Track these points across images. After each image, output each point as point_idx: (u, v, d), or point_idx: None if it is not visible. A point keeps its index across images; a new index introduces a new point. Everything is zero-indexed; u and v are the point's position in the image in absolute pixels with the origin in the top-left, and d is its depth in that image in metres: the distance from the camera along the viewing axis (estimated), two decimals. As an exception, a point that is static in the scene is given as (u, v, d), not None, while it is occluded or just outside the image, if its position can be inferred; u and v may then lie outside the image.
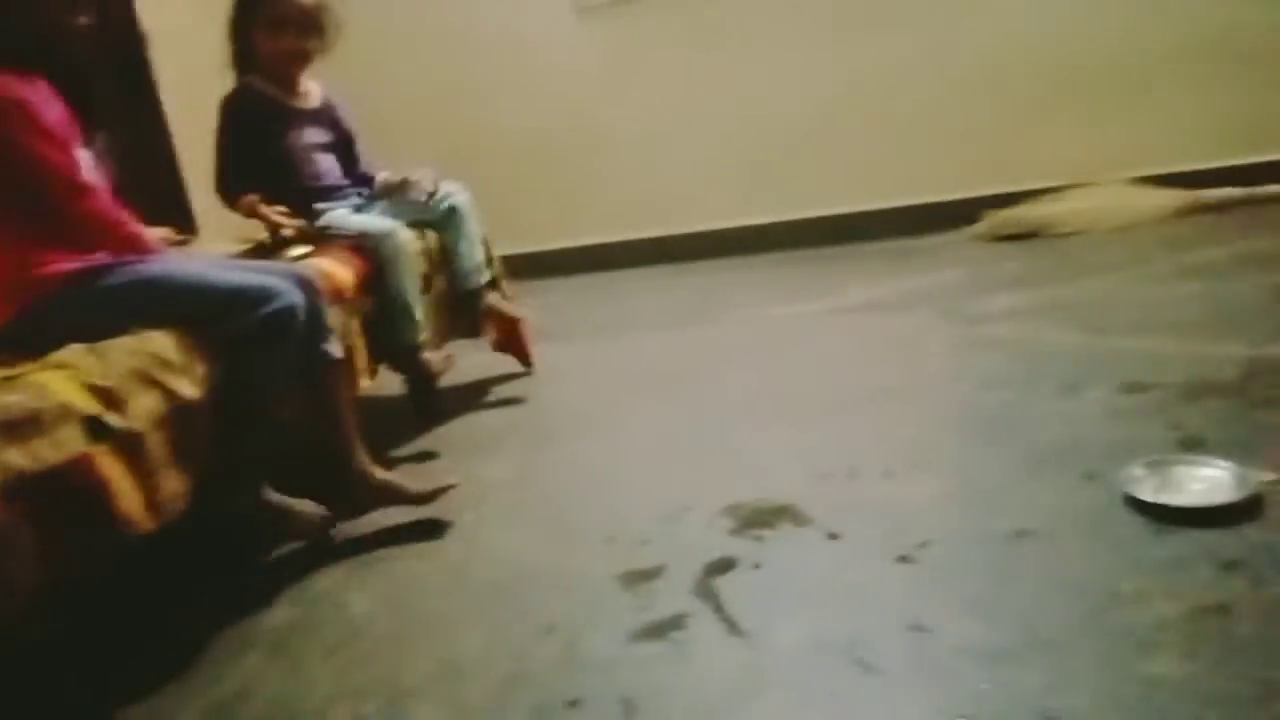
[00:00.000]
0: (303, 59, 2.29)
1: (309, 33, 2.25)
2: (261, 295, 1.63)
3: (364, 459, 1.85)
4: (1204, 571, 1.31)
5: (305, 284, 1.77)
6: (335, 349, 1.83)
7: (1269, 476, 1.49)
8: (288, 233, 2.15)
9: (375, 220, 2.26)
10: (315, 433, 1.81)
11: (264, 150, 2.24)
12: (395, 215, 2.33)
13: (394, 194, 2.40)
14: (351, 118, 2.47)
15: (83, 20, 1.73)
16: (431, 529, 1.81)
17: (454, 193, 2.43)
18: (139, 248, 1.67)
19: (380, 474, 1.86)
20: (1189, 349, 2.05)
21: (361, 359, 2.07)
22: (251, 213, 2.15)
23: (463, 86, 3.71)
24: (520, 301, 2.69)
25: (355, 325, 2.05)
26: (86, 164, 1.63)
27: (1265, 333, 2.06)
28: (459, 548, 1.75)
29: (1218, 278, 2.47)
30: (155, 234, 1.83)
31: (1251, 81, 3.10)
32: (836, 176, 3.51)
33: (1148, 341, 2.13)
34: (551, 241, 3.79)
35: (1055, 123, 3.27)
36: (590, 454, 2.08)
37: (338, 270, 2.02)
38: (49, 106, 1.57)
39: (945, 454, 1.79)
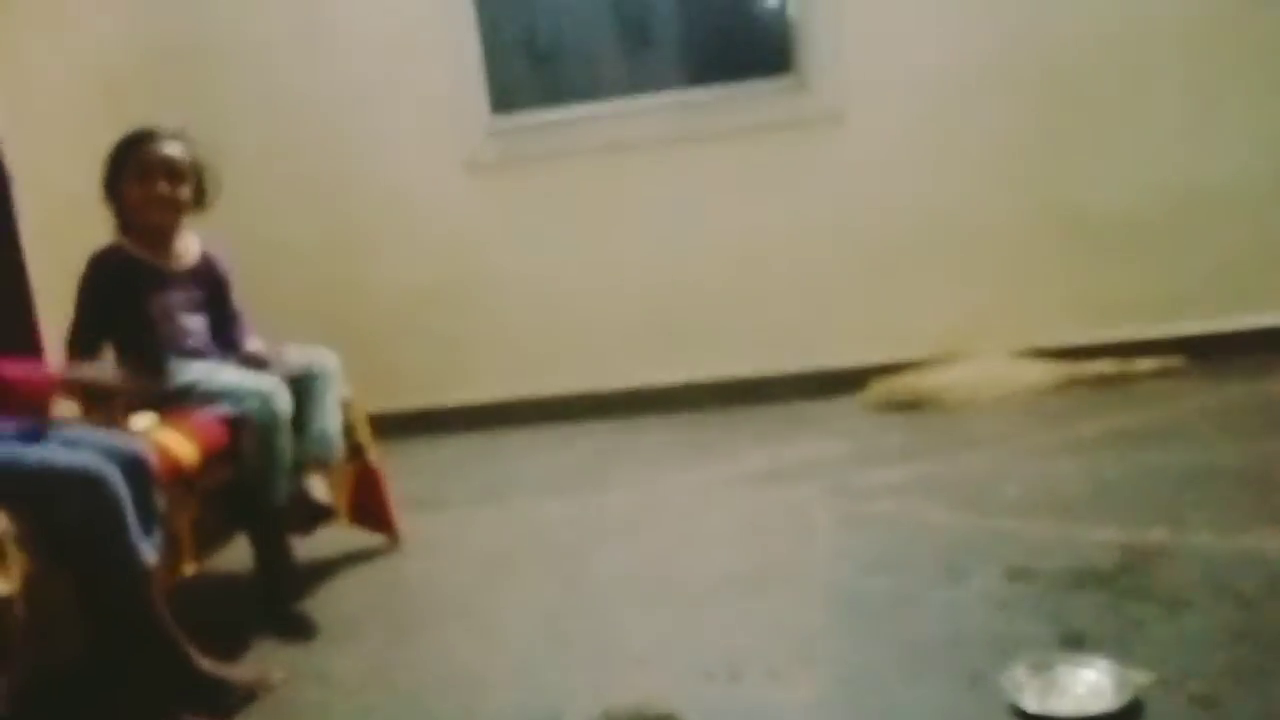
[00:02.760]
0: (174, 209, 2.25)
1: (178, 181, 2.24)
2: (73, 476, 1.53)
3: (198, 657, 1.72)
4: (1088, 789, 1.29)
5: (134, 463, 1.67)
6: (151, 552, 1.68)
7: (1146, 678, 1.51)
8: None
9: (254, 377, 2.18)
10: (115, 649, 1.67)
11: (123, 312, 2.20)
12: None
13: (255, 366, 2.31)
14: (229, 270, 2.42)
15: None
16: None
17: (318, 359, 2.37)
18: None
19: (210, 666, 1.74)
20: (1068, 532, 2.12)
21: (189, 544, 1.95)
22: (75, 385, 1.93)
23: (347, 240, 3.70)
24: (392, 464, 2.61)
25: (191, 504, 1.94)
26: None
27: (1139, 517, 2.14)
28: (300, 763, 1.61)
29: (1093, 454, 2.58)
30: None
31: (1120, 259, 3.35)
32: (730, 340, 3.59)
33: (1028, 523, 2.19)
34: (439, 399, 3.73)
35: (938, 294, 3.45)
36: (456, 645, 1.98)
37: (180, 446, 1.93)
38: None
39: (829, 649, 1.77)
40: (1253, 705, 1.43)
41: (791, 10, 3.46)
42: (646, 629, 1.93)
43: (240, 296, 2.46)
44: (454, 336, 3.71)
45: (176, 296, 2.28)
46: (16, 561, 1.48)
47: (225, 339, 2.38)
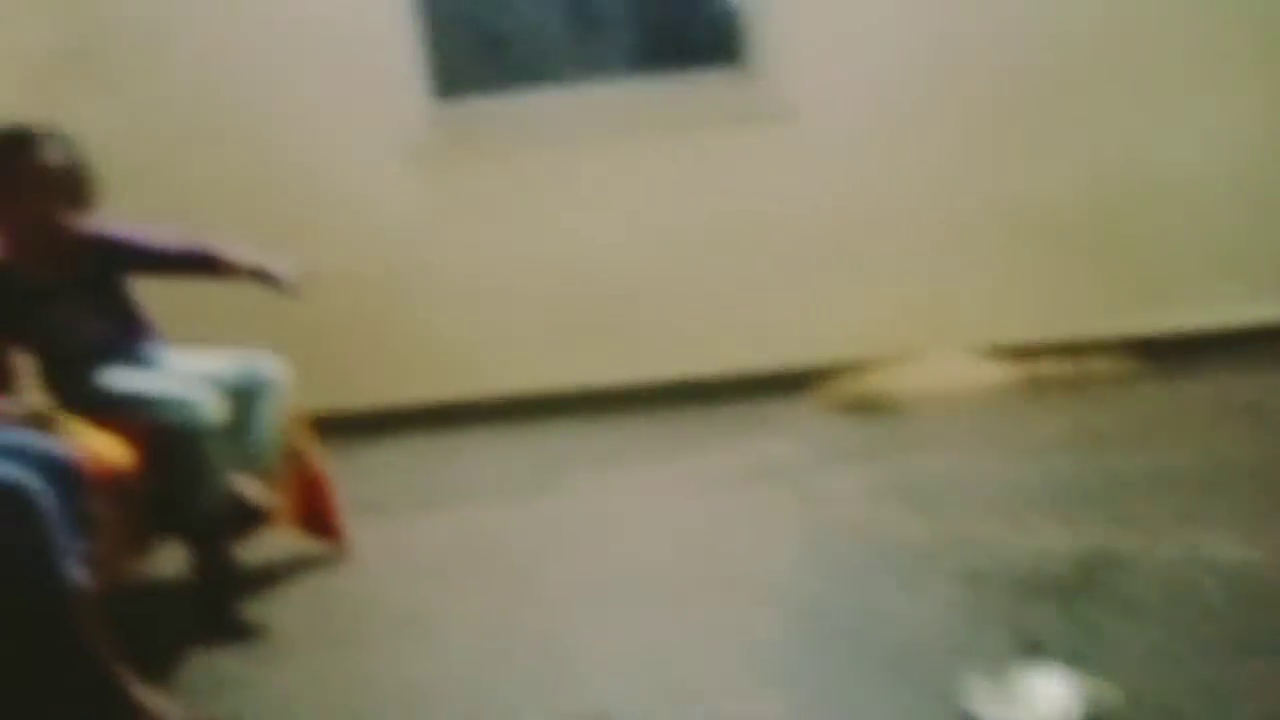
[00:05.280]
0: (47, 224, 2.13)
1: (53, 190, 2.11)
2: None
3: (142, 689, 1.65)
4: (1051, 806, 1.32)
5: (63, 470, 1.60)
6: (79, 570, 1.59)
7: (1111, 693, 1.54)
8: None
9: (181, 386, 2.12)
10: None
11: (19, 333, 2.14)
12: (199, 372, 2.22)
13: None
14: (136, 234, 2.29)
15: None
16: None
17: (259, 367, 2.32)
18: None
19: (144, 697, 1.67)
20: (1026, 537, 2.16)
21: (122, 552, 1.90)
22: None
23: (275, 229, 3.60)
24: (338, 466, 2.57)
25: (124, 512, 1.88)
26: None
27: (1096, 520, 2.20)
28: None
29: (1050, 457, 2.63)
30: None
31: (1070, 255, 3.41)
32: (680, 337, 3.58)
33: (987, 527, 2.23)
34: (383, 399, 3.67)
35: (890, 291, 3.48)
36: (399, 658, 1.95)
37: (111, 450, 1.87)
38: None
39: (791, 664, 1.78)
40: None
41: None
42: (600, 641, 1.92)
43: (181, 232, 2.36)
44: (397, 332, 3.64)
45: (67, 305, 2.20)
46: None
47: (192, 255, 2.33)
